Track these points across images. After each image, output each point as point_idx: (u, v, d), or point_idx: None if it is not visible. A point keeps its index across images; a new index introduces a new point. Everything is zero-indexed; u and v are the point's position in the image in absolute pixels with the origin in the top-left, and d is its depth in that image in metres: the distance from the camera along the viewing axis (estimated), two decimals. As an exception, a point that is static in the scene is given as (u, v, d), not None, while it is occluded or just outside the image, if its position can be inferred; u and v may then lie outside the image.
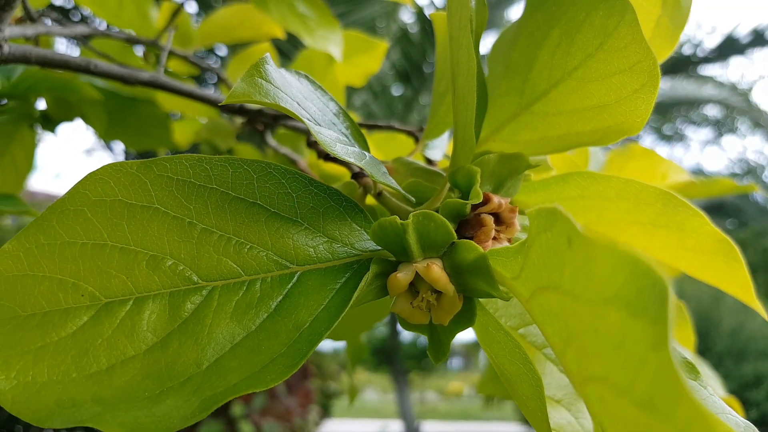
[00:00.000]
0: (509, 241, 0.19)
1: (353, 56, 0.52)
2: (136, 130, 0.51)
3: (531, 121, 0.21)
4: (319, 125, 0.18)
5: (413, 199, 0.20)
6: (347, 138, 0.19)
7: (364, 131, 0.26)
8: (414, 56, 3.10)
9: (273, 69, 0.18)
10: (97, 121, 0.48)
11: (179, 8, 0.50)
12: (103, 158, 5.15)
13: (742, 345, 5.75)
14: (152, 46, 0.47)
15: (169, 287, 0.16)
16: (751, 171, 9.76)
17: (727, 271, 0.23)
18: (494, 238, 0.18)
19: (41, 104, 0.53)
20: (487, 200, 0.18)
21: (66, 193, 0.17)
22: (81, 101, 0.46)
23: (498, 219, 0.19)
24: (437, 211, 0.18)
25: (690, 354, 0.45)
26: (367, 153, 0.19)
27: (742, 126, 9.47)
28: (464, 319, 0.18)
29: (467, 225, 0.18)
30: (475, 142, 0.18)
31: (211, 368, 0.15)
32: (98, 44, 0.48)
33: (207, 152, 0.57)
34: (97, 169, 0.17)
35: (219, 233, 0.17)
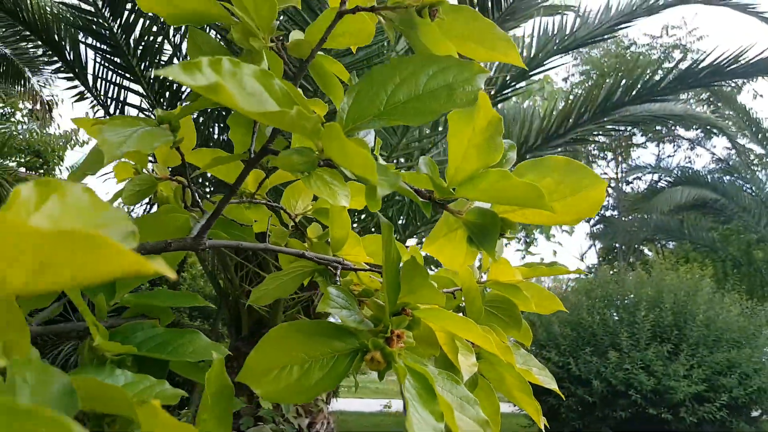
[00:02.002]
0: (403, 343, 0.57)
1: (355, 196, 0.91)
2: (232, 232, 0.90)
3: (416, 298, 0.59)
4: (340, 309, 0.56)
5: (372, 325, 0.58)
6: (347, 305, 0.57)
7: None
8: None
9: (331, 291, 0.56)
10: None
11: (266, 176, 0.89)
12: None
13: (716, 335, 6.18)
14: (250, 202, 0.86)
15: (305, 362, 0.55)
16: (734, 169, 10.15)
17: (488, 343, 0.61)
18: (398, 343, 0.56)
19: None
20: (393, 332, 0.56)
21: (264, 336, 0.56)
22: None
23: (399, 336, 0.57)
24: (378, 334, 0.57)
25: (536, 367, 0.83)
26: (353, 312, 0.57)
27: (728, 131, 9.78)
28: (388, 369, 0.57)
29: (387, 339, 0.57)
30: (389, 313, 0.57)
31: (314, 386, 0.54)
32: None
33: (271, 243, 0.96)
34: (274, 330, 0.56)
35: (313, 345, 0.56)
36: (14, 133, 7.44)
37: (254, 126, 0.72)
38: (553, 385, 0.88)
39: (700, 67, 3.51)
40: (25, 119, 7.91)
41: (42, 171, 8.14)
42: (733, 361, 6.13)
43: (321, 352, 0.56)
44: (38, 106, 7.12)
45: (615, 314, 6.56)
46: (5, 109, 7.81)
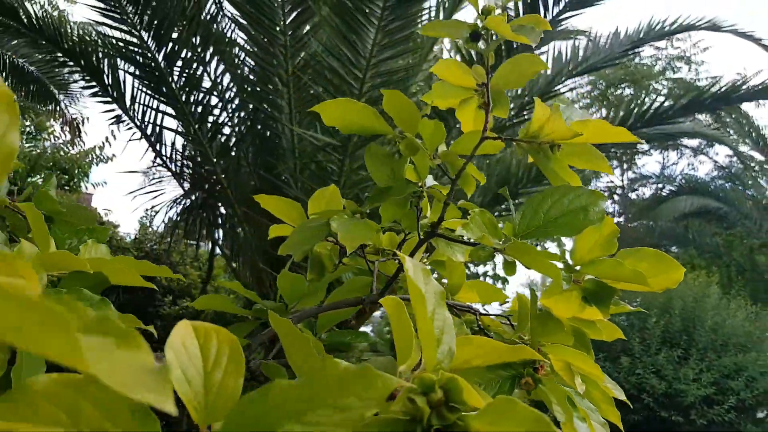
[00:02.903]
0: (545, 371, 0.84)
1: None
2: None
3: (547, 339, 0.86)
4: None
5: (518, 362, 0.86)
6: (507, 348, 0.85)
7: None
8: (440, 111, 3.77)
9: (491, 335, 0.83)
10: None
11: (403, 237, 1.16)
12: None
13: (723, 339, 6.44)
14: (391, 258, 1.13)
15: (480, 385, 0.82)
16: (736, 176, 10.43)
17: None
18: (542, 371, 0.83)
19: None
20: (540, 364, 0.83)
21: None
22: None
23: (542, 366, 0.84)
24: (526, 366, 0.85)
25: (611, 384, 1.11)
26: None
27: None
28: (534, 389, 0.84)
29: (535, 369, 0.84)
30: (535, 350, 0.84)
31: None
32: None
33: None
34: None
35: (485, 373, 0.83)
36: (42, 151, 7.73)
37: (418, 213, 0.99)
38: (622, 397, 1.15)
39: (704, 96, 3.81)
40: (52, 137, 8.20)
41: (67, 187, 8.42)
42: (740, 365, 6.39)
43: (490, 378, 0.84)
44: (66, 126, 7.40)
45: (626, 320, 6.83)
46: (32, 127, 8.10)
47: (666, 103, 3.75)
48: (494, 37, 0.88)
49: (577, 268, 0.83)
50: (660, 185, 11.19)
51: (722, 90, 3.86)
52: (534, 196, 0.78)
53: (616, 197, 12.23)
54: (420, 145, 0.94)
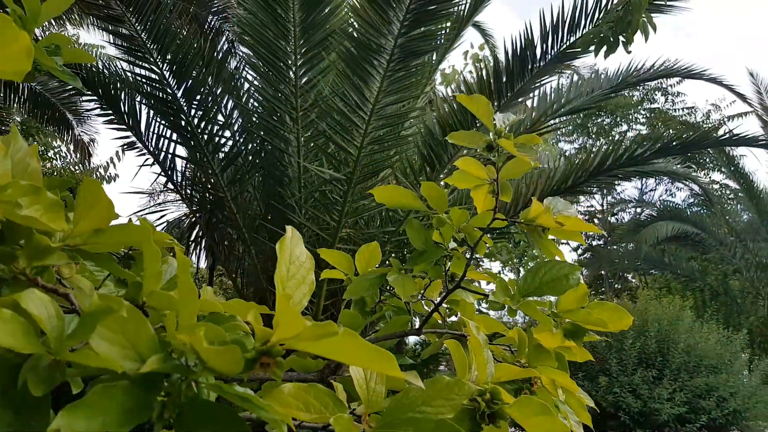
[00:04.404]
0: (536, 385, 1.20)
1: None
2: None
3: (539, 363, 1.23)
4: (509, 369, 1.21)
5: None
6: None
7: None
8: (435, 149, 4.16)
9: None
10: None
11: (428, 282, 1.54)
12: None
13: (696, 361, 6.83)
14: (421, 299, 1.51)
15: None
16: (712, 203, 10.95)
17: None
18: (536, 385, 1.20)
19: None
20: (535, 380, 1.20)
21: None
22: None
23: (537, 382, 1.20)
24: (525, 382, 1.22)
25: (583, 394, 1.48)
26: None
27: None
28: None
29: (531, 383, 1.20)
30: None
31: (500, 405, 1.19)
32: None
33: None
34: (481, 378, 1.20)
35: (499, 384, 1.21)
36: (51, 170, 8.03)
37: (446, 270, 1.37)
38: (591, 404, 1.52)
39: (676, 142, 4.26)
40: (59, 157, 8.49)
41: (71, 204, 8.69)
42: (712, 386, 6.80)
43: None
44: (76, 147, 7.70)
45: (604, 341, 7.23)
46: (41, 148, 8.40)
47: (639, 149, 4.19)
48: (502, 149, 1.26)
49: (560, 315, 1.21)
50: (639, 209, 11.70)
51: (691, 137, 4.30)
52: (532, 267, 1.16)
53: (596, 221, 12.71)
54: (447, 220, 1.32)
